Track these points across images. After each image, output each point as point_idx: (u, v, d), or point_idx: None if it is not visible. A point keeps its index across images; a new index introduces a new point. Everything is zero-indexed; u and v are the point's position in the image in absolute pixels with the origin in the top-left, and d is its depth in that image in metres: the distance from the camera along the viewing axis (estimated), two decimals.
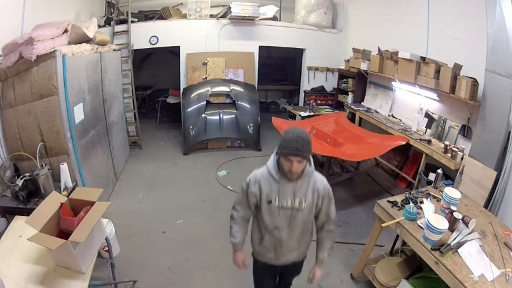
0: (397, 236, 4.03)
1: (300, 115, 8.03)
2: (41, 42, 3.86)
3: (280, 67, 11.53)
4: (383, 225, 3.35)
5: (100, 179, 5.40)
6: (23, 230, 2.97)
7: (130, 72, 7.73)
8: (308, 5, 8.62)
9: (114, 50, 6.34)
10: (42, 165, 3.88)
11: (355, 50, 7.84)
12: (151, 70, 10.81)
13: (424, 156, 5.57)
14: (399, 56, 6.04)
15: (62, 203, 2.94)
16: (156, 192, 6.10)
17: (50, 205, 2.87)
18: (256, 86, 8.66)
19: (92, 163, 5.03)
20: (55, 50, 3.90)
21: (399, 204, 3.51)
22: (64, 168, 3.99)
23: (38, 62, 3.91)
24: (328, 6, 8.77)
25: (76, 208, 3.00)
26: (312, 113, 7.96)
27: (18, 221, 3.20)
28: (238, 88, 8.09)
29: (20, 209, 3.60)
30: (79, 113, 4.52)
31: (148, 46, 8.19)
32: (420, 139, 5.64)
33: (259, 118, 7.88)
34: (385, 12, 7.26)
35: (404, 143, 5.66)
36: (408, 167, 6.43)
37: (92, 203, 2.96)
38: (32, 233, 2.57)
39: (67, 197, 3.09)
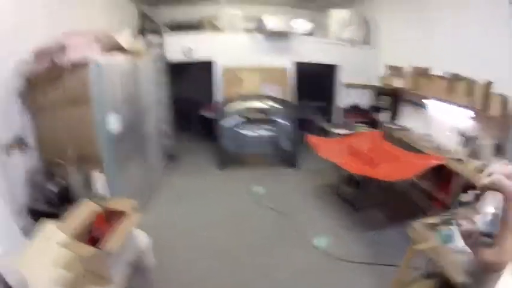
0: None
1: (335, 133, 7.98)
2: (74, 50, 3.98)
3: (314, 83, 11.33)
4: (416, 248, 3.25)
5: (135, 189, 5.42)
6: (53, 234, 2.99)
7: (165, 84, 7.81)
8: (341, 20, 8.58)
9: (148, 61, 6.42)
10: (76, 173, 3.93)
11: (388, 67, 7.76)
12: (187, 83, 10.85)
13: (458, 175, 5.39)
14: (431, 73, 5.99)
15: (95, 212, 2.95)
16: (190, 205, 6.14)
17: (82, 213, 2.91)
18: (292, 101, 8.63)
19: (127, 173, 5.10)
20: (89, 59, 4.00)
21: (434, 226, 3.41)
22: (98, 176, 4.07)
23: (72, 69, 4.00)
24: (361, 22, 8.72)
25: (108, 218, 3.02)
26: (348, 131, 7.89)
27: (49, 225, 3.23)
28: (275, 104, 8.04)
29: (51, 213, 3.66)
30: (113, 123, 4.59)
31: (183, 58, 8.33)
32: (454, 158, 5.47)
33: (295, 135, 7.81)
34: (417, 28, 7.07)
35: (439, 162, 5.50)
36: (442, 187, 6.23)
37: (124, 214, 2.97)
38: (61, 238, 2.59)
39: (100, 206, 3.11)
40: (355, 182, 6.45)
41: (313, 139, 6.55)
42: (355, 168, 5.55)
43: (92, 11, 6.06)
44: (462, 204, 4.99)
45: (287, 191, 6.82)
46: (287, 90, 8.68)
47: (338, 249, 4.97)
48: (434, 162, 5.45)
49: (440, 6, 6.27)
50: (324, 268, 4.58)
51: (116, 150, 4.62)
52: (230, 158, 7.75)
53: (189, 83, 10.96)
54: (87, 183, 4.10)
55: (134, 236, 3.22)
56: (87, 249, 2.48)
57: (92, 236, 2.81)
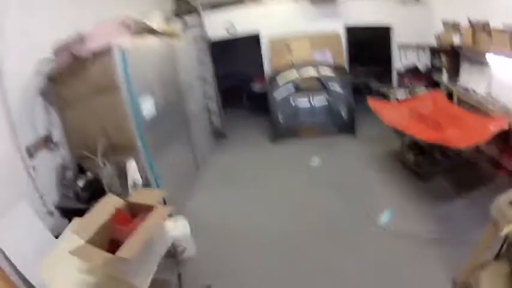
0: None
1: (394, 97, 7.47)
2: (94, 39, 3.75)
3: (368, 48, 10.54)
4: (502, 233, 2.69)
5: (178, 175, 5.22)
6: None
7: (209, 63, 7.62)
8: None
9: (186, 42, 6.30)
10: (104, 164, 3.74)
11: (445, 23, 6.98)
12: (234, 59, 10.54)
13: None
14: (491, 27, 5.29)
15: (118, 208, 2.68)
16: (240, 187, 5.82)
17: (103, 210, 2.66)
18: (346, 67, 8.17)
19: (168, 158, 4.87)
20: (111, 45, 3.75)
21: None
22: (131, 165, 3.88)
23: (94, 59, 3.78)
24: None
25: (135, 213, 2.74)
26: (408, 94, 7.36)
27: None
28: (328, 71, 7.55)
29: (80, 210, 3.42)
30: (148, 107, 4.40)
31: (225, 35, 8.14)
32: None
33: (352, 101, 7.34)
34: None
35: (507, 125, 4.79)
36: (509, 153, 5.57)
37: (151, 208, 2.67)
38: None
39: (124, 200, 2.83)
40: (419, 148, 5.89)
41: (374, 103, 6.09)
42: (422, 134, 5.08)
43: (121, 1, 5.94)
44: None
45: (347, 162, 6.37)
46: (340, 55, 8.21)
47: (405, 225, 4.53)
48: (504, 125, 4.74)
49: None
50: (391, 248, 4.18)
51: (152, 135, 4.36)
52: (284, 130, 7.42)
53: (237, 59, 10.66)
54: (121, 175, 3.87)
55: (164, 231, 2.93)
56: (99, 256, 2.20)
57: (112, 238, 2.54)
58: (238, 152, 7.19)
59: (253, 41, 8.51)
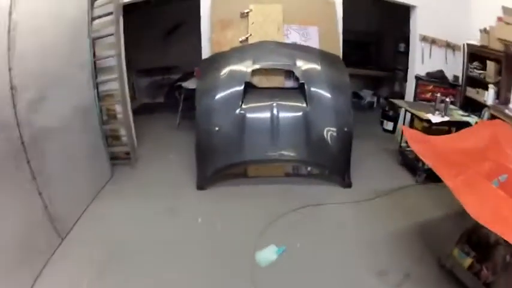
0: None
1: (427, 119, 4.52)
2: None
3: (360, 46, 8.15)
4: None
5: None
6: None
7: (117, 38, 4.74)
8: None
9: None
10: None
11: (507, 11, 4.80)
12: (182, 47, 7.54)
13: None
14: None
15: None
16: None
17: None
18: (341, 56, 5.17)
19: None
20: None
21: None
22: None
23: None
24: None
25: None
26: (447, 118, 4.54)
27: None
28: (310, 61, 4.53)
29: None
30: None
31: None
32: None
33: (352, 119, 4.33)
34: None
35: None
36: None
37: None
38: None
39: None
40: (485, 249, 2.98)
41: (413, 135, 3.41)
42: None
43: None
44: None
45: (332, 258, 3.18)
46: (333, 39, 5.19)
47: None
48: None
49: None
50: None
51: None
52: (219, 166, 4.34)
53: (185, 47, 7.43)
54: None
55: None
56: None
57: None
58: (140, 200, 4.04)
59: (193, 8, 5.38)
